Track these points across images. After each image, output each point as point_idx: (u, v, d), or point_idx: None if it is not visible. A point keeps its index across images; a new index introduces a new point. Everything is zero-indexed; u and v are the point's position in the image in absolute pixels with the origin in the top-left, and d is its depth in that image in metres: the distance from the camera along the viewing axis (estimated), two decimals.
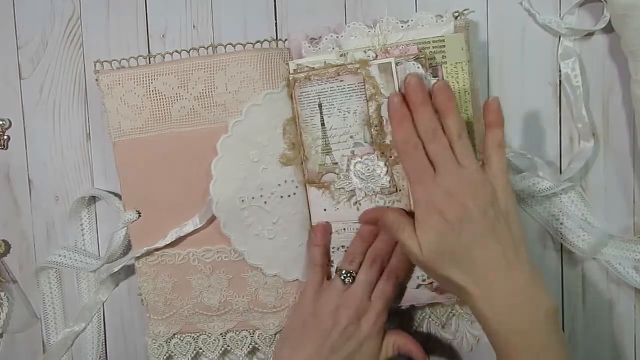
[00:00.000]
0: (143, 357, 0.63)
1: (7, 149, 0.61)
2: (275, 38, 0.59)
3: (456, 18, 0.56)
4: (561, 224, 0.58)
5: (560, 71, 0.58)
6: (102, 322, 0.63)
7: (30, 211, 0.62)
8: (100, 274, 0.60)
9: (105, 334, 0.63)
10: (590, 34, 0.58)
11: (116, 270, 0.59)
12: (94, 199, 0.61)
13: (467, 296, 0.47)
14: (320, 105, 0.55)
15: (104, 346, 0.63)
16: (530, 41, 0.58)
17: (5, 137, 0.61)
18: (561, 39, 0.58)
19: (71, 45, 0.60)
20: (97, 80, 0.57)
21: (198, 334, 0.60)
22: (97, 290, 0.62)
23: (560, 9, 0.58)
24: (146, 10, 0.60)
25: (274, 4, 0.59)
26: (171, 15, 0.59)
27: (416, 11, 0.58)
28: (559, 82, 0.58)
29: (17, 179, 0.61)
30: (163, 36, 0.59)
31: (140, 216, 0.58)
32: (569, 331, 0.61)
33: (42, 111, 0.61)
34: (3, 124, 0.61)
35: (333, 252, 0.57)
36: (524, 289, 0.46)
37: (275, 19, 0.59)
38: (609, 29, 0.56)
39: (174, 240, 0.57)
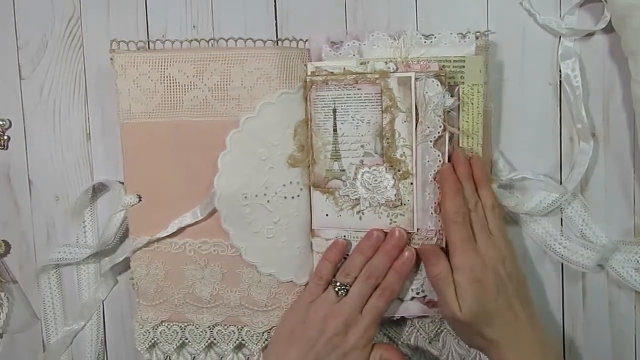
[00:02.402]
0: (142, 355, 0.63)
1: (7, 149, 0.61)
2: (279, 38, 0.59)
3: (477, 38, 0.56)
4: (564, 247, 0.58)
5: (560, 71, 0.58)
6: (102, 320, 0.63)
7: (30, 211, 0.62)
8: (103, 266, 0.60)
9: (104, 331, 0.63)
10: (590, 34, 0.58)
11: (119, 261, 0.60)
12: (95, 197, 0.61)
13: (495, 346, 0.51)
14: (334, 111, 0.55)
15: (103, 344, 0.63)
16: (530, 41, 0.58)
17: (5, 137, 0.61)
18: (561, 38, 0.58)
19: (71, 45, 0.60)
20: (111, 59, 0.57)
21: (185, 324, 0.60)
22: (97, 288, 0.62)
23: (560, 9, 0.58)
24: (146, 10, 0.60)
25: (274, 4, 0.59)
26: (171, 15, 0.59)
27: (416, 11, 0.58)
28: (559, 82, 0.58)
29: (17, 179, 0.61)
30: (163, 36, 0.59)
31: (140, 200, 0.58)
32: (569, 333, 0.61)
33: (42, 111, 0.61)
34: (3, 124, 0.61)
35: None
36: (542, 338, 0.53)
37: (275, 19, 0.59)
38: (609, 29, 0.56)
39: (174, 230, 0.57)
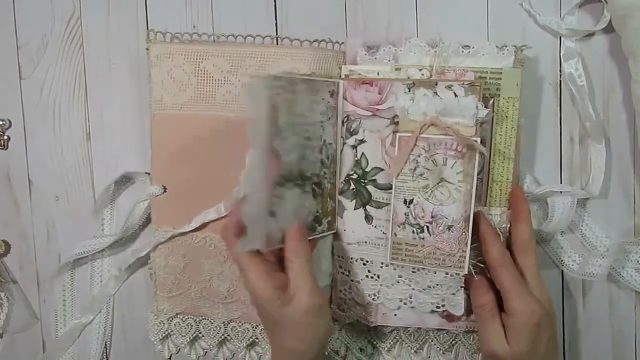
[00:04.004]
0: (143, 356, 0.63)
1: (7, 149, 0.61)
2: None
3: (515, 51, 0.55)
4: (574, 262, 0.58)
5: (560, 71, 0.58)
6: (111, 314, 0.62)
7: (30, 211, 0.62)
8: (127, 258, 0.60)
9: (112, 326, 0.63)
10: (590, 34, 0.58)
11: (142, 255, 0.59)
12: (118, 191, 0.61)
13: None
14: None
15: (110, 338, 0.63)
16: (531, 41, 0.58)
17: (5, 137, 0.61)
18: (562, 39, 0.58)
19: (71, 45, 0.60)
20: (147, 49, 0.57)
21: (200, 318, 0.60)
22: (107, 282, 0.62)
23: (560, 10, 0.58)
24: (146, 10, 0.60)
25: (274, 3, 0.59)
26: (171, 15, 0.59)
27: (416, 11, 0.58)
28: (559, 82, 0.58)
29: (17, 179, 0.61)
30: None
31: (165, 191, 0.58)
32: (569, 332, 0.61)
33: (42, 111, 0.61)
34: (3, 124, 0.61)
35: (350, 262, 0.57)
36: None
37: (276, 19, 0.59)
38: (609, 29, 0.56)
39: (197, 226, 0.57)
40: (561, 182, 0.59)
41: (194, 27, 0.59)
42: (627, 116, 0.58)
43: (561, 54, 0.58)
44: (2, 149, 0.61)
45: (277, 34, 0.59)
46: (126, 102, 0.60)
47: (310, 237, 0.53)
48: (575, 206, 0.57)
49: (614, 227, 0.59)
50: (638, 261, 0.57)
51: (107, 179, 0.61)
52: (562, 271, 0.60)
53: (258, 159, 0.48)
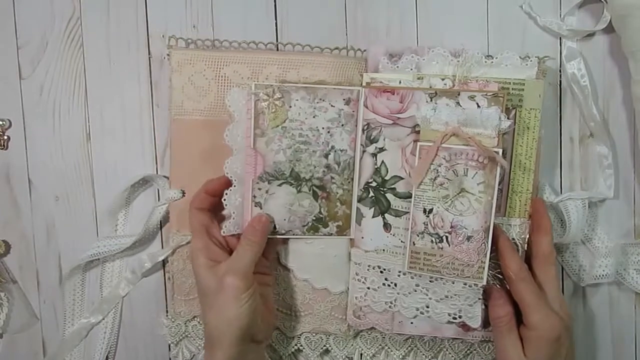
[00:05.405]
0: (144, 356, 0.63)
1: (7, 149, 0.61)
2: (341, 46, 0.58)
3: (539, 62, 0.55)
4: (584, 269, 0.59)
5: (560, 71, 0.58)
6: (119, 316, 0.62)
7: (30, 211, 0.62)
8: (143, 261, 0.60)
9: (119, 328, 0.63)
10: (590, 35, 0.58)
11: (161, 258, 0.60)
12: (133, 194, 0.61)
13: None
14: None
15: (116, 340, 0.63)
16: (531, 42, 0.58)
17: (5, 137, 0.61)
18: (562, 40, 0.58)
19: (71, 45, 0.60)
20: (168, 54, 0.57)
21: None
22: (117, 284, 0.62)
23: (560, 10, 0.58)
24: (146, 11, 0.60)
25: (274, 4, 0.59)
26: (171, 15, 0.59)
27: (416, 14, 0.58)
28: (559, 83, 0.58)
29: (17, 179, 0.61)
30: (163, 36, 0.59)
31: (184, 196, 0.58)
32: None
33: (42, 111, 0.61)
34: (3, 124, 0.61)
35: (368, 270, 0.56)
36: None
37: (275, 19, 0.59)
38: (609, 29, 0.56)
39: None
40: (561, 183, 0.59)
41: (194, 27, 0.59)
42: (627, 116, 0.58)
43: (562, 55, 0.58)
44: (2, 149, 0.61)
45: (276, 35, 0.59)
46: (126, 102, 0.60)
47: (311, 237, 0.56)
48: (587, 208, 0.57)
49: (614, 228, 0.59)
50: (639, 262, 0.57)
51: (107, 179, 0.61)
52: (563, 271, 0.60)
53: (238, 156, 0.53)
